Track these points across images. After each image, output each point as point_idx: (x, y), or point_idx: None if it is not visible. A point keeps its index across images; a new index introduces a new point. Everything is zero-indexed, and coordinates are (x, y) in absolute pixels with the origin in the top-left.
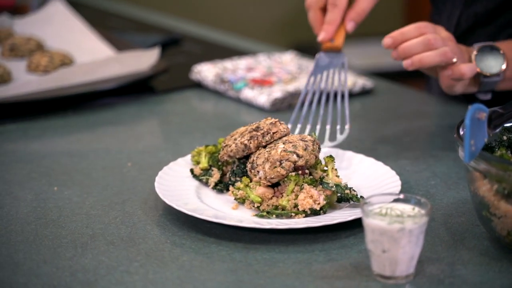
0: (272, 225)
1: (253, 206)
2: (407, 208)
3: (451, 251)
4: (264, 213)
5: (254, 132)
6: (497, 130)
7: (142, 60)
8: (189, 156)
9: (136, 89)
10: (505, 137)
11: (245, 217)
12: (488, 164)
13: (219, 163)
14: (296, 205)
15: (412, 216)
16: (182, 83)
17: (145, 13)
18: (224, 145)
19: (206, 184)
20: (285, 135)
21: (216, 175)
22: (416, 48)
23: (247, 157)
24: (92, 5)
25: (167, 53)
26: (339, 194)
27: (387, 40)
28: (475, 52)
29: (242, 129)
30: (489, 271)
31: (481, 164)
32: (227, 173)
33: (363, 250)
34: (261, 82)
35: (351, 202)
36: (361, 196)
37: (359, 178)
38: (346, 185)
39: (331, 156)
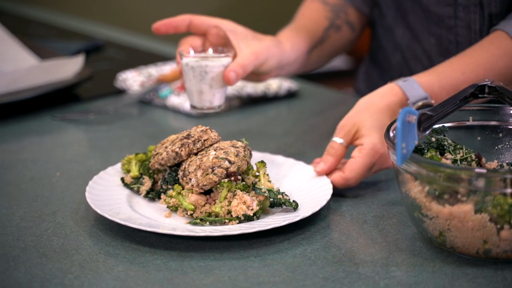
0: (207, 232)
1: (186, 214)
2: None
3: (384, 252)
4: (198, 221)
5: (185, 140)
6: (427, 132)
7: (67, 67)
8: (119, 165)
9: (60, 97)
10: (433, 139)
11: (178, 225)
12: (419, 166)
13: (150, 171)
14: (229, 212)
15: (197, 59)
16: (107, 90)
17: (65, 19)
18: (155, 153)
19: (137, 192)
20: (216, 142)
21: (147, 183)
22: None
23: (178, 165)
24: (10, 11)
25: (90, 60)
26: (271, 199)
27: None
28: None
29: (173, 137)
30: (423, 272)
31: (412, 166)
32: (158, 181)
33: (298, 254)
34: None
35: (284, 207)
36: (293, 201)
37: (290, 183)
38: (279, 190)
39: (262, 162)
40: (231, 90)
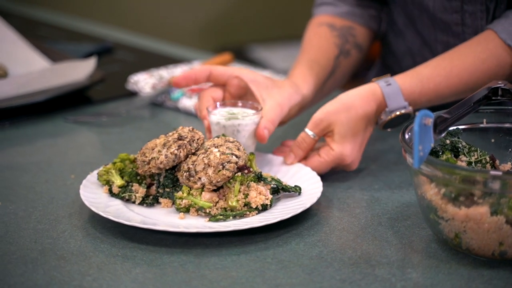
0: (252, 224)
1: (203, 213)
2: (246, 112)
3: (400, 254)
4: (220, 217)
5: (180, 141)
6: (443, 135)
7: (79, 70)
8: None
9: (73, 99)
10: (448, 141)
11: (199, 224)
12: (435, 169)
13: (138, 178)
14: (246, 204)
15: (231, 117)
16: (118, 92)
17: (74, 21)
18: (148, 158)
19: (127, 201)
20: (203, 141)
21: (141, 190)
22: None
23: (172, 167)
24: (19, 14)
25: (100, 62)
26: (275, 186)
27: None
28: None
29: (159, 140)
30: (438, 273)
31: (427, 169)
32: (149, 186)
33: (314, 256)
34: (199, 91)
35: (281, 193)
36: (296, 186)
37: (277, 176)
38: (279, 179)
39: (252, 153)
40: None
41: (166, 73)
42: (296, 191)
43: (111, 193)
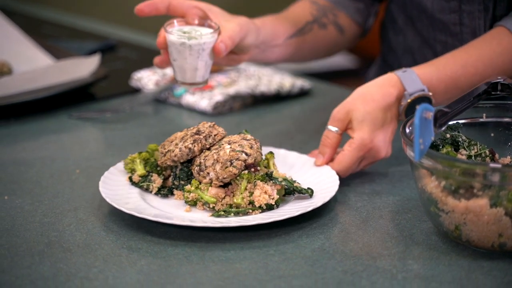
0: (233, 223)
1: (208, 207)
2: (206, 31)
3: (401, 246)
4: (222, 212)
5: (196, 136)
6: (443, 129)
7: (83, 67)
8: (120, 164)
9: (77, 96)
10: (448, 135)
11: (204, 218)
12: (435, 162)
13: (158, 169)
14: (251, 202)
15: (194, 37)
16: (122, 89)
17: (77, 20)
18: (165, 150)
19: (146, 190)
20: (224, 137)
21: (157, 180)
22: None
23: (189, 161)
24: (23, 12)
25: (103, 59)
26: (287, 187)
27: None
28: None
29: (180, 134)
30: (439, 265)
31: (428, 162)
32: (168, 177)
33: (316, 248)
34: (200, 89)
35: (296, 195)
36: (308, 188)
37: (296, 175)
38: (292, 178)
39: (271, 152)
40: (245, 88)
41: (169, 70)
42: (307, 193)
43: (131, 181)
